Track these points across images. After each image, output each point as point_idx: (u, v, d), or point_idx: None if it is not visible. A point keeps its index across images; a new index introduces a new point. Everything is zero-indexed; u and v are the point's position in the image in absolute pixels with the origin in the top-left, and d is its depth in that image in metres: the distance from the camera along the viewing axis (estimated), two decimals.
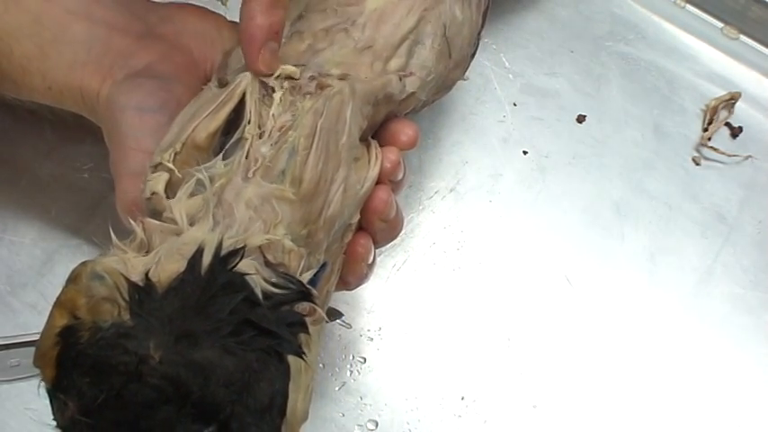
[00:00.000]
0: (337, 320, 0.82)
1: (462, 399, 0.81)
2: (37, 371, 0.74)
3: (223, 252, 0.55)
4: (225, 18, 0.77)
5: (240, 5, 0.64)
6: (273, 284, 0.56)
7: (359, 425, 0.79)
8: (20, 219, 0.84)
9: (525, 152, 0.92)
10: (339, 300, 0.83)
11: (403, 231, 0.83)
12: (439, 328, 0.84)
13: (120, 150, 0.68)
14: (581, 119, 0.94)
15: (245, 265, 0.56)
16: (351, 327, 0.83)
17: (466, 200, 0.90)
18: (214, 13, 0.77)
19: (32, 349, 0.74)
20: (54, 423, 0.54)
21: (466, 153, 0.92)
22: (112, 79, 0.71)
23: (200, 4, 0.79)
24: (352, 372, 0.81)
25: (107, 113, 0.70)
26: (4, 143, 0.85)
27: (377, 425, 0.79)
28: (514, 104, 0.95)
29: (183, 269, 0.54)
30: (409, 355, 0.82)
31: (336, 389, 0.80)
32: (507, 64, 0.97)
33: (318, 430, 0.78)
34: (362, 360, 0.82)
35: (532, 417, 0.81)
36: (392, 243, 0.83)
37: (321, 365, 0.80)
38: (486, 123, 0.93)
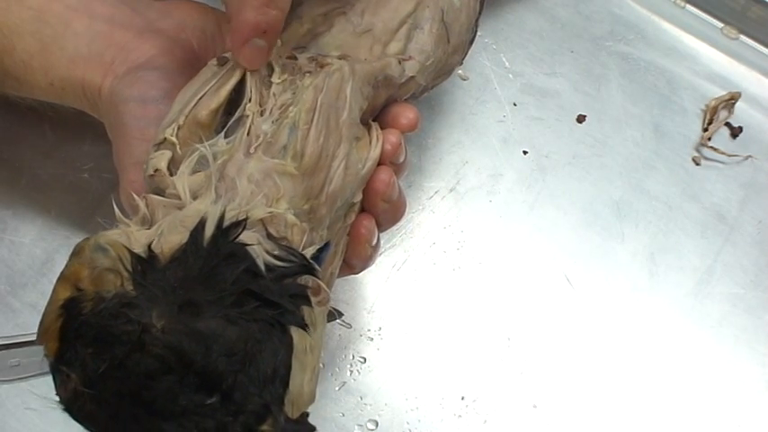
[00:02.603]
0: (337, 320, 0.82)
1: (462, 399, 0.81)
2: (37, 371, 0.74)
3: (225, 223, 0.56)
4: (224, 13, 0.77)
5: None
6: (276, 257, 0.56)
7: (359, 425, 0.79)
8: (20, 219, 0.84)
9: (525, 152, 0.92)
10: (339, 300, 0.83)
11: (403, 231, 0.83)
12: (439, 328, 0.84)
13: (124, 141, 0.68)
14: (581, 119, 0.94)
15: (248, 237, 0.56)
16: (351, 327, 0.83)
17: (466, 200, 0.90)
18: (213, 8, 0.77)
19: (32, 349, 0.75)
20: (57, 398, 0.55)
21: (466, 153, 0.92)
22: (114, 73, 0.71)
23: (200, 0, 0.79)
24: (352, 372, 0.81)
25: (109, 107, 0.71)
26: (4, 143, 0.85)
27: (377, 425, 0.79)
28: (514, 104, 0.95)
29: (185, 240, 0.55)
30: (409, 355, 0.82)
31: (336, 389, 0.80)
32: (507, 64, 0.97)
33: (318, 430, 0.78)
34: (362, 360, 0.82)
35: (532, 417, 0.81)
36: (392, 243, 0.84)
37: (321, 365, 0.80)
38: (486, 123, 0.93)
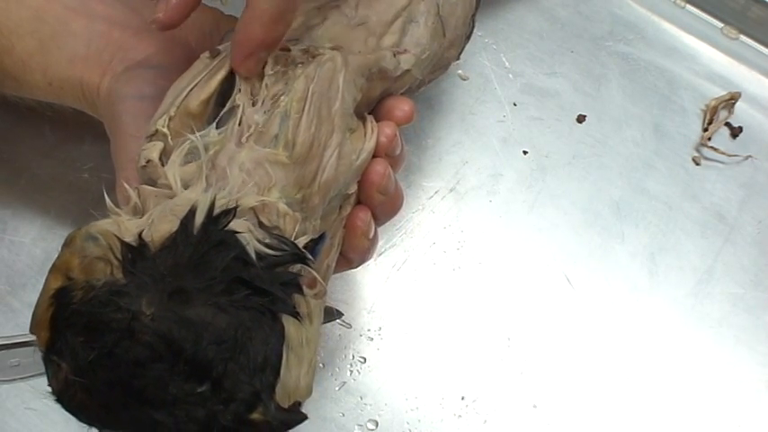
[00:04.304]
0: (337, 320, 0.82)
1: (462, 399, 0.81)
2: (37, 371, 0.74)
3: (216, 212, 0.56)
4: (222, 12, 0.77)
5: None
6: (267, 245, 0.56)
7: (359, 425, 0.79)
8: (20, 219, 0.84)
9: (525, 152, 0.92)
10: (339, 300, 0.83)
11: (403, 231, 0.83)
12: (439, 328, 0.84)
13: (122, 139, 0.68)
14: (581, 119, 0.94)
15: (239, 225, 0.56)
16: (351, 327, 0.83)
17: (466, 200, 0.90)
18: (211, 7, 0.78)
19: (32, 349, 0.75)
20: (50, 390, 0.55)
21: (466, 153, 0.92)
22: (112, 72, 0.71)
23: None
24: (352, 372, 0.81)
25: (107, 105, 0.71)
26: (4, 143, 0.85)
27: (377, 425, 0.79)
28: (514, 104, 0.95)
29: (175, 229, 0.55)
30: (409, 355, 0.82)
31: (336, 389, 0.80)
32: (507, 64, 0.97)
33: (318, 430, 0.78)
34: (362, 360, 0.82)
35: (532, 417, 0.81)
36: (392, 243, 0.84)
37: (321, 365, 0.80)
38: (486, 123, 0.93)
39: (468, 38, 0.84)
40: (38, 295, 0.75)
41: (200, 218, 0.55)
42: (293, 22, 0.66)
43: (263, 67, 0.64)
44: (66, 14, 0.73)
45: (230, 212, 0.56)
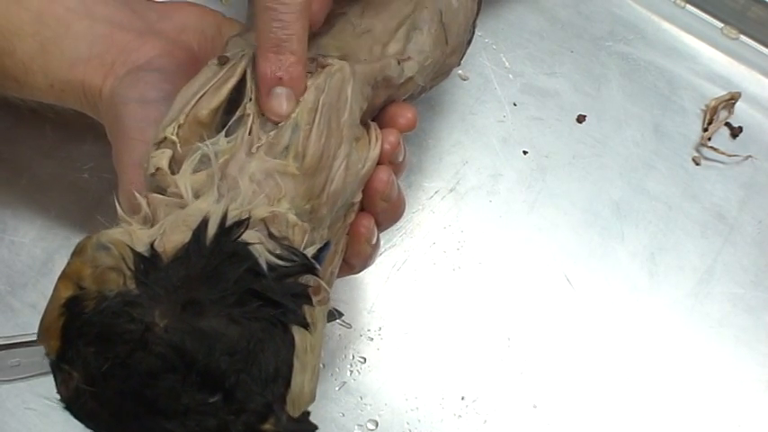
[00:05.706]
0: (337, 320, 0.82)
1: (462, 399, 0.81)
2: (37, 371, 0.74)
3: (228, 223, 0.56)
4: (224, 15, 0.77)
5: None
6: (277, 256, 0.56)
7: (359, 425, 0.79)
8: (20, 218, 0.84)
9: (525, 152, 0.92)
10: (339, 300, 0.83)
11: (403, 231, 0.83)
12: (439, 328, 0.84)
13: (124, 142, 0.68)
14: (581, 119, 0.94)
15: (250, 236, 0.56)
16: (351, 327, 0.83)
17: (466, 200, 0.90)
18: (213, 10, 0.78)
19: (32, 349, 0.75)
20: (58, 397, 0.55)
21: (466, 153, 0.92)
22: (114, 75, 0.71)
23: (200, 2, 0.79)
24: (352, 372, 0.81)
25: (110, 108, 0.70)
26: (4, 142, 0.85)
27: (377, 425, 0.79)
28: (514, 104, 0.95)
29: (188, 239, 0.55)
30: (409, 355, 0.82)
31: (336, 389, 0.80)
32: (507, 64, 0.97)
33: (318, 430, 0.78)
34: (362, 360, 0.82)
35: (532, 417, 0.81)
36: (392, 243, 0.84)
37: (321, 365, 0.80)
38: (486, 123, 0.93)
39: (470, 44, 0.84)
40: (38, 295, 0.76)
41: (212, 229, 0.55)
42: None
43: None
44: (68, 17, 0.73)
45: (242, 224, 0.56)
